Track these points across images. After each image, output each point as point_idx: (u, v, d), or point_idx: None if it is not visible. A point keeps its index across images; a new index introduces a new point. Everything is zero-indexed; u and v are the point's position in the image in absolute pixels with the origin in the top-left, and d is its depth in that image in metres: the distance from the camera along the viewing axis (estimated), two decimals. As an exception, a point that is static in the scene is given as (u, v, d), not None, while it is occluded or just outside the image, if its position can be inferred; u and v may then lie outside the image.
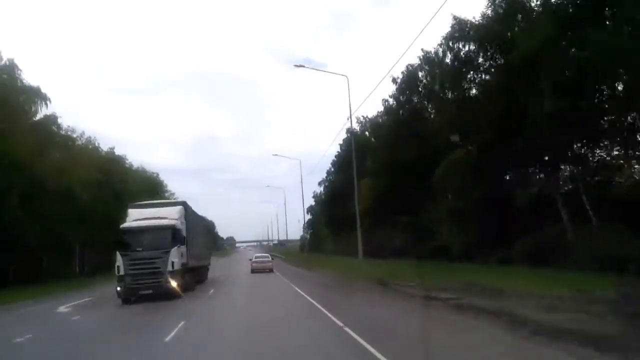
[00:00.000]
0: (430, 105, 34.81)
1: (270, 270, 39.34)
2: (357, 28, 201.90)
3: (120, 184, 54.77)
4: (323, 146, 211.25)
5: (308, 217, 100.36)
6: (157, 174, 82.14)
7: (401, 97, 35.88)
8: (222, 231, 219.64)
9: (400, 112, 36.39)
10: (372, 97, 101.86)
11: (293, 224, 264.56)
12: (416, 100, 35.17)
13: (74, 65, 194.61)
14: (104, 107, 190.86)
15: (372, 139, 48.76)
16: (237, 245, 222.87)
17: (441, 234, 33.04)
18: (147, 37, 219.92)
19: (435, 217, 33.06)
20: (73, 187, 42.15)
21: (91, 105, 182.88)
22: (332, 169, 57.84)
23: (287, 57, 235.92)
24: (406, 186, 35.94)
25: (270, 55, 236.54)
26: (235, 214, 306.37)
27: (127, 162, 67.90)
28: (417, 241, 34.40)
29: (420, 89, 34.32)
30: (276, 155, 74.53)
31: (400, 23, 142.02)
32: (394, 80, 34.68)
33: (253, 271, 39.42)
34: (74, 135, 52.03)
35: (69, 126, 49.84)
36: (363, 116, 52.75)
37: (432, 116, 34.65)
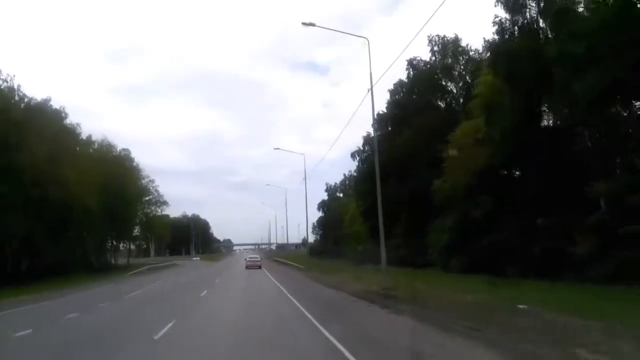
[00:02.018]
0: None
1: (259, 267, 43.55)
2: (362, 32, 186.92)
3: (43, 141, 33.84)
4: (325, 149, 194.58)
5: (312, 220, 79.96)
6: (128, 151, 60.55)
7: None
8: (220, 234, 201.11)
9: None
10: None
11: (292, 229, 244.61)
12: None
13: (75, 64, 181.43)
14: (105, 106, 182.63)
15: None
16: (235, 248, 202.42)
17: None
18: (151, 37, 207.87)
19: None
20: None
21: (93, 104, 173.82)
22: (375, 133, 36.14)
23: (291, 59, 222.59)
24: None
25: (274, 57, 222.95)
26: (235, 216, 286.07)
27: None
28: None
29: None
30: (277, 149, 54.87)
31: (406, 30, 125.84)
32: None
33: (247, 268, 43.89)
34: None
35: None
36: (438, 36, 31.34)
37: None
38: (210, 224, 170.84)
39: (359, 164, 39.06)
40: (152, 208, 71.52)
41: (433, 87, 30.59)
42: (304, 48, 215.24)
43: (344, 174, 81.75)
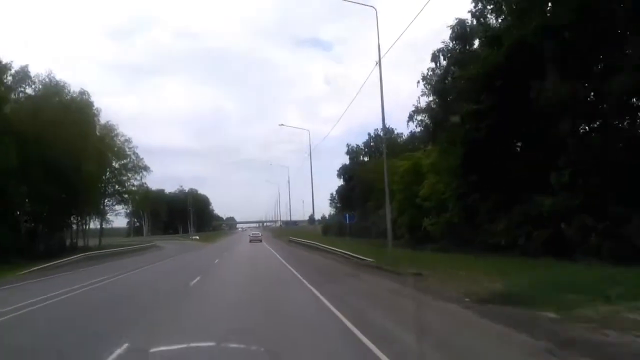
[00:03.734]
0: None
1: (260, 241, 53.36)
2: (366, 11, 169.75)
3: None
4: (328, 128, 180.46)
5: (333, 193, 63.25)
6: (87, 95, 43.08)
7: None
8: (224, 212, 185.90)
9: None
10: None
11: (297, 205, 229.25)
12: None
13: (75, 41, 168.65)
14: (105, 84, 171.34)
15: None
16: (238, 226, 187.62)
17: None
18: (152, 14, 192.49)
19: None
20: None
21: (93, 81, 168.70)
22: None
23: (294, 36, 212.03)
24: None
25: (276, 34, 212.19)
26: (239, 194, 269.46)
27: None
28: None
29: None
30: (282, 125, 50.64)
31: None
32: None
33: (250, 242, 54.04)
34: None
35: None
36: None
37: None
38: (213, 202, 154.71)
39: (444, 71, 21.62)
40: (129, 175, 54.40)
41: None
42: (308, 24, 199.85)
43: (369, 133, 64.51)
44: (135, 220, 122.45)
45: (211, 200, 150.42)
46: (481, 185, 19.09)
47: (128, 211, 55.70)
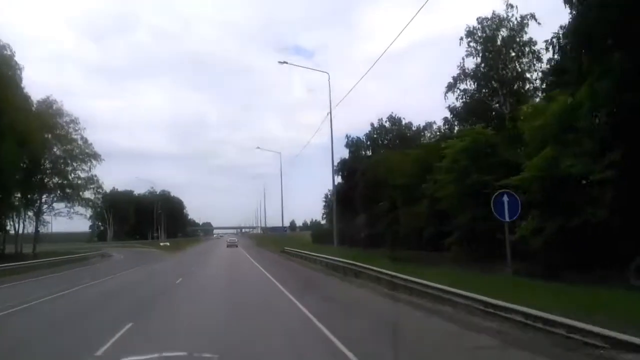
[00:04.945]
0: None
1: (236, 246, 55.06)
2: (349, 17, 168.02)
3: None
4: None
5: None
6: (8, 48, 31.47)
7: None
8: (200, 217, 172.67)
9: None
10: None
11: (277, 212, 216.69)
12: None
13: (55, 43, 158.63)
14: (85, 87, 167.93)
15: None
16: (215, 232, 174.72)
17: None
18: (134, 18, 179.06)
19: None
20: None
21: (73, 84, 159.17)
22: None
23: (276, 43, 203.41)
24: None
25: (259, 40, 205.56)
26: (218, 200, 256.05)
27: None
28: None
29: None
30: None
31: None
32: None
33: (228, 246, 56.41)
34: None
35: None
36: None
37: None
38: (190, 207, 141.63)
39: None
40: (75, 164, 42.36)
41: None
42: (290, 31, 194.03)
43: (372, 124, 53.78)
44: (100, 224, 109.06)
45: (188, 205, 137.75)
46: None
47: (71, 210, 43.24)
